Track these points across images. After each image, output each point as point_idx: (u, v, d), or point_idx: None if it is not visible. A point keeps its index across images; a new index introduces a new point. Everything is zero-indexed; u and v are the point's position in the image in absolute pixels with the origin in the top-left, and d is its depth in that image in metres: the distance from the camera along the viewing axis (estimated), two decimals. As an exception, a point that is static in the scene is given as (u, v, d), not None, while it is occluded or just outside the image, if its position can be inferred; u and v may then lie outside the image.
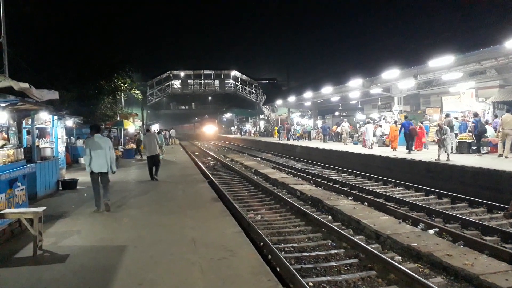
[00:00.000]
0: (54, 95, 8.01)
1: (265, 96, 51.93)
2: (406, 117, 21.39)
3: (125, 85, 26.24)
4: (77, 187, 12.05)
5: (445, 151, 14.10)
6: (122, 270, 5.10)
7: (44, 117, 12.43)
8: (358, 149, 21.16)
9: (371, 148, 21.16)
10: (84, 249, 6.02)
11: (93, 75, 21.13)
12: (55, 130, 13.33)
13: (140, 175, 14.94)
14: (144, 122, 42.98)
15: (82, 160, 18.33)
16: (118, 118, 27.89)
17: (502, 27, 14.11)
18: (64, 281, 4.81)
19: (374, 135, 23.24)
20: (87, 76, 20.41)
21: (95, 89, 22.43)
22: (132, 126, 27.25)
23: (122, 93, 28.88)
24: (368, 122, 23.68)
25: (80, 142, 19.69)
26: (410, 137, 17.80)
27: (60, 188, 11.88)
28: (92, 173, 8.70)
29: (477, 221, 8.80)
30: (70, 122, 17.54)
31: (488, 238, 7.67)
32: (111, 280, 4.77)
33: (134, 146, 24.13)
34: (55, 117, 13.09)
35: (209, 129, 60.46)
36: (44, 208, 6.40)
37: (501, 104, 21.87)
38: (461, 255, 6.26)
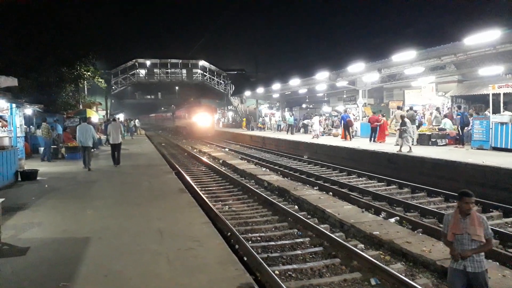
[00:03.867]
0: (13, 82, 7.70)
1: (233, 87, 51.71)
2: (345, 111, 24.02)
3: (88, 73, 25.30)
4: (38, 178, 11.61)
5: (406, 143, 14.61)
6: (87, 262, 5.01)
7: (1, 105, 11.88)
8: (324, 140, 21.58)
9: (318, 138, 23.36)
10: (45, 242, 5.85)
11: (55, 62, 20.24)
12: (13, 119, 12.76)
13: (105, 166, 14.58)
14: (108, 111, 41.75)
15: (42, 150, 17.73)
16: (81, 107, 26.98)
17: (462, 25, 14.70)
18: (25, 274, 4.66)
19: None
20: (48, 63, 19.52)
21: (57, 76, 21.48)
22: (95, 116, 26.47)
23: (85, 81, 27.86)
24: (316, 115, 26.80)
25: (40, 132, 18.95)
26: (347, 128, 21.19)
27: (19, 179, 11.42)
28: (82, 146, 13.64)
29: (435, 209, 9.23)
30: (29, 110, 16.85)
31: (444, 225, 8.06)
32: (75, 272, 4.68)
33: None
34: (14, 105, 12.53)
35: (202, 119, 36.80)
36: (2, 199, 6.16)
37: (459, 98, 22.86)
38: (419, 242, 6.56)
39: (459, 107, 17.53)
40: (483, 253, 3.68)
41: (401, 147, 14.61)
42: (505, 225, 8.27)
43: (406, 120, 15.03)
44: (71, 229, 6.54)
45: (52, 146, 16.47)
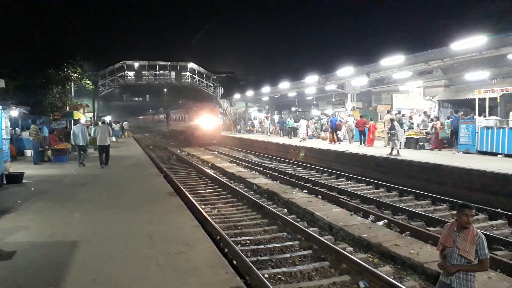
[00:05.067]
0: (-1, 83, 7.57)
1: (223, 90, 51.67)
2: (333, 115, 24.54)
3: (76, 75, 25.08)
4: (23, 181, 11.43)
5: (395, 146, 14.79)
6: (75, 266, 4.96)
7: (-14, 106, 11.68)
8: (312, 144, 21.68)
9: (305, 140, 23.66)
10: (33, 245, 5.77)
11: (41, 64, 19.99)
12: (-1, 121, 12.55)
13: (92, 169, 14.43)
14: (95, 113, 41.35)
15: (28, 152, 17.49)
16: (68, 109, 26.69)
17: (449, 30, 14.99)
18: (12, 279, 4.59)
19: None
20: (34, 64, 19.28)
21: (43, 78, 21.23)
22: (82, 118, 26.20)
23: (72, 83, 27.57)
24: (303, 118, 26.63)
25: (26, 134, 18.68)
26: (336, 130, 21.51)
27: (4, 182, 11.21)
28: (77, 145, 14.82)
29: (422, 212, 9.36)
30: (15, 112, 16.59)
31: (432, 228, 8.18)
32: (63, 276, 4.62)
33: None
34: (-1, 107, 12.33)
35: (207, 123, 30.12)
36: (-12, 203, 6.06)
37: (445, 102, 23.22)
38: (407, 245, 6.64)
39: (456, 111, 17.81)
40: (474, 274, 3.41)
41: (392, 150, 14.77)
42: (490, 227, 8.41)
43: (395, 123, 15.20)
44: (59, 232, 6.45)
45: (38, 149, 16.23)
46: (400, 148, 15.29)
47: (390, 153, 14.67)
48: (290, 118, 29.87)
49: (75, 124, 16.66)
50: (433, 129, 17.06)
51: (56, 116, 23.25)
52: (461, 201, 3.72)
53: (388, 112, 20.61)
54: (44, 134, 17.16)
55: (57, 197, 9.43)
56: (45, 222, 7.16)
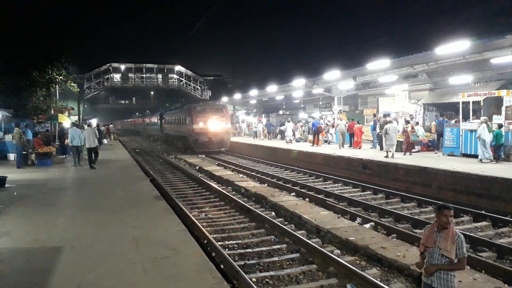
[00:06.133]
0: (-20, 85, 7.39)
1: (210, 93, 51.60)
2: (321, 118, 25.31)
3: (60, 77, 24.71)
4: (6, 185, 11.17)
5: (383, 149, 14.93)
6: (59, 272, 4.85)
7: (-33, 109, 11.42)
8: (301, 146, 21.75)
9: (291, 143, 24.14)
10: (15, 252, 5.64)
11: (25, 66, 19.67)
12: (-20, 124, 12.29)
13: (77, 173, 14.21)
14: (81, 116, 40.74)
15: (11, 156, 17.14)
16: (52, 112, 26.25)
17: (433, 35, 15.23)
18: (-8, 287, 4.47)
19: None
20: (17, 66, 18.96)
21: (27, 80, 20.90)
22: (67, 121, 25.80)
23: (57, 86, 27.17)
24: (288, 121, 26.40)
25: (8, 137, 18.31)
26: (317, 133, 21.88)
27: (-14, 186, 10.96)
28: (72, 146, 15.76)
29: (409, 215, 9.44)
30: (-2, 115, 16.27)
31: (418, 230, 8.24)
32: (46, 283, 4.52)
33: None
34: (-19, 110, 12.07)
35: (213, 126, 25.50)
36: (-31, 208, 5.90)
37: (430, 106, 23.52)
38: (394, 247, 6.67)
39: (441, 115, 18.17)
40: (453, 273, 3.47)
41: (387, 152, 14.91)
42: (475, 229, 8.52)
43: (388, 126, 15.34)
44: (42, 238, 6.32)
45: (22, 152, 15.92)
46: (387, 150, 15.43)
47: (387, 155, 14.79)
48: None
49: (72, 125, 17.24)
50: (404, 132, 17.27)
51: (40, 119, 22.84)
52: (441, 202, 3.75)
53: (374, 115, 20.81)
54: (28, 137, 16.86)
55: (41, 201, 9.25)
56: (28, 227, 7.00)
